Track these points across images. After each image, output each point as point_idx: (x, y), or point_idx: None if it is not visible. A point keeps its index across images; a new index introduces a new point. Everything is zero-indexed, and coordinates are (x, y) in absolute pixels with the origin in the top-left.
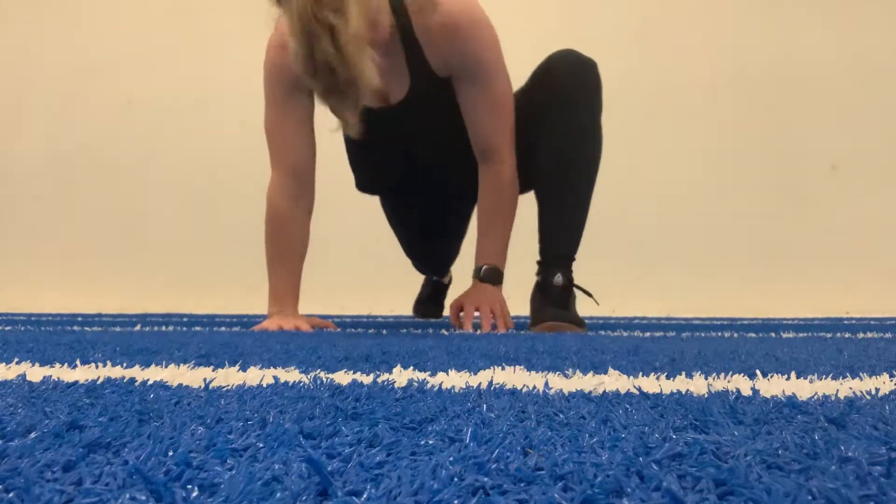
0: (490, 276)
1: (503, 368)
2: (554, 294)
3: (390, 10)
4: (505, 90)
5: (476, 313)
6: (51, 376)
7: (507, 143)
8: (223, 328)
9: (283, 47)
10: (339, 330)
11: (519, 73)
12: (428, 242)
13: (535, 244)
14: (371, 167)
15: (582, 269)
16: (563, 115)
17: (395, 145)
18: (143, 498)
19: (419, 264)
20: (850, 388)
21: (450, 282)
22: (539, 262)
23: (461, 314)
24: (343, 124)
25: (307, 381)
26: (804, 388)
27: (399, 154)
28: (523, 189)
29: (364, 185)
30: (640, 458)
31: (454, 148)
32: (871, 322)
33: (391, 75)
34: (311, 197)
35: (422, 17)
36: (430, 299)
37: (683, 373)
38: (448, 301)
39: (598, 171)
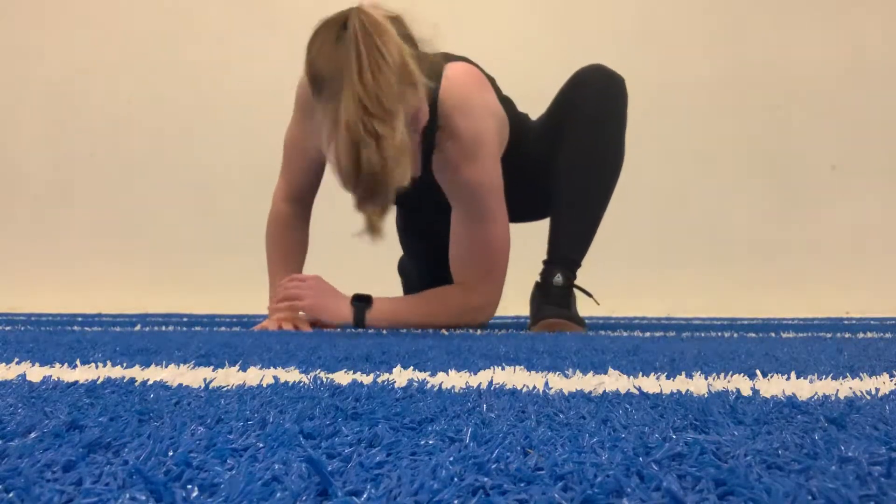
0: (358, 306)
1: (503, 368)
2: (554, 293)
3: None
4: (499, 235)
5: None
6: (51, 376)
7: (485, 279)
8: (223, 328)
9: None
10: (339, 330)
11: (518, 71)
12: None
13: (535, 246)
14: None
15: (582, 269)
16: (589, 130)
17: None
18: (143, 498)
19: (428, 279)
20: (850, 388)
21: None
22: (544, 262)
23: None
24: (367, 226)
25: (307, 381)
26: (804, 388)
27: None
28: (540, 216)
29: None
30: (640, 458)
31: None
32: (871, 322)
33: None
34: (311, 203)
35: (443, 133)
36: None
37: (683, 373)
38: None
39: (615, 185)
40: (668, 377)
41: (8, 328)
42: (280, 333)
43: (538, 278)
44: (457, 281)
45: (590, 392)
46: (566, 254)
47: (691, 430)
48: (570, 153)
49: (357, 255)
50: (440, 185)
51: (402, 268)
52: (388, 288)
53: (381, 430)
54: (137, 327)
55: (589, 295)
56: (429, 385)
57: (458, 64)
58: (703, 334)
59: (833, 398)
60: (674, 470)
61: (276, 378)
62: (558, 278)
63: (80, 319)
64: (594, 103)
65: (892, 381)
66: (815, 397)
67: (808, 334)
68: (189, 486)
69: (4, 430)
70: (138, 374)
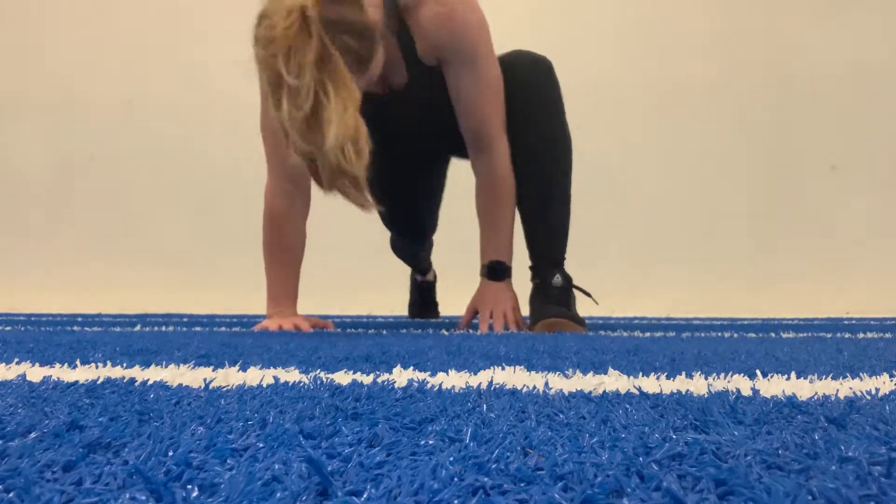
0: (495, 273)
1: (503, 368)
2: (553, 293)
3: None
4: (497, 75)
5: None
6: (51, 376)
7: (499, 132)
8: (223, 328)
9: None
10: (338, 330)
11: None
12: (400, 204)
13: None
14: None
15: (582, 269)
16: (530, 122)
17: (389, 130)
18: (143, 498)
19: (396, 231)
20: (850, 388)
21: (435, 278)
22: (532, 268)
23: (476, 318)
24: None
25: (307, 381)
26: (804, 388)
27: (391, 138)
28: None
29: None
30: (640, 458)
31: (450, 131)
32: (871, 322)
33: (390, 64)
34: (308, 197)
35: (410, 13)
36: (423, 301)
37: (683, 373)
38: (441, 298)
39: (572, 168)
40: (668, 377)
41: (8, 328)
42: (280, 333)
43: (536, 281)
44: (471, 141)
45: (590, 392)
46: (554, 256)
47: (691, 430)
48: (521, 151)
49: (355, 251)
50: (435, 67)
51: (395, 246)
52: (390, 284)
53: (381, 430)
54: (137, 327)
55: (588, 295)
56: (429, 385)
57: None
58: (703, 334)
59: (833, 398)
60: (674, 470)
61: (276, 378)
62: (557, 279)
63: (80, 319)
64: (524, 98)
65: (892, 381)
66: (815, 397)
67: (808, 334)
68: (189, 486)
69: (4, 430)
70: (138, 374)
